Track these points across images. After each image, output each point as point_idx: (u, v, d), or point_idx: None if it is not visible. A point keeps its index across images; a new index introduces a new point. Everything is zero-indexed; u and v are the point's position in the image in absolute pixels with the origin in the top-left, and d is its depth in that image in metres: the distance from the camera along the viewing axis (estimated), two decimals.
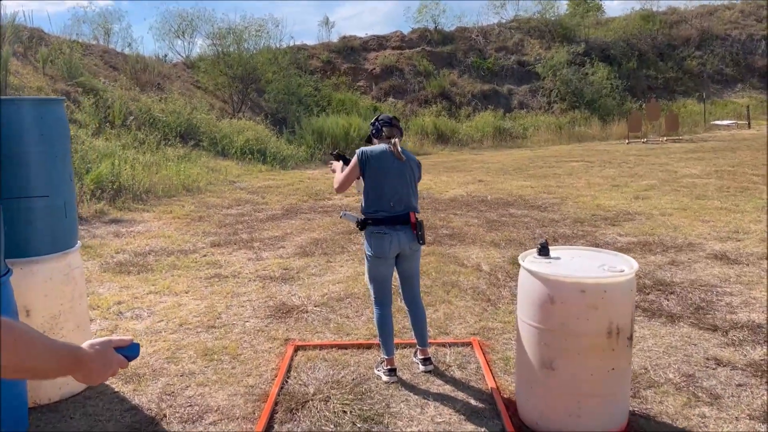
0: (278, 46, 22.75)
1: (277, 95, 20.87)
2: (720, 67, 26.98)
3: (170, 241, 7.71)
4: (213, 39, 21.37)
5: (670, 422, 3.24)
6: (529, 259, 3.26)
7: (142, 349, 1.52)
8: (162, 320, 4.97)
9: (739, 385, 3.62)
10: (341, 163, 4.01)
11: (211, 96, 20.30)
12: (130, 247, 7.46)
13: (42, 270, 3.51)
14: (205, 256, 7.01)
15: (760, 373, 3.73)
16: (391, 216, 3.70)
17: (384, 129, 3.85)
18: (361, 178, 3.80)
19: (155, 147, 13.25)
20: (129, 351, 1.46)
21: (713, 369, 3.83)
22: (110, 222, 8.84)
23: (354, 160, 3.79)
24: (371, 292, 3.87)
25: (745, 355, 4.00)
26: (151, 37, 45.97)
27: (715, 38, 27.93)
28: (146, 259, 6.89)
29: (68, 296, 3.64)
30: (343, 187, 3.87)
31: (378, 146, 3.80)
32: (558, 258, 3.28)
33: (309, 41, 28.44)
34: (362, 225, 3.76)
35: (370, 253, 3.75)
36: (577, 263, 3.18)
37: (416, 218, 3.76)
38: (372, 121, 3.96)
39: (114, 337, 1.45)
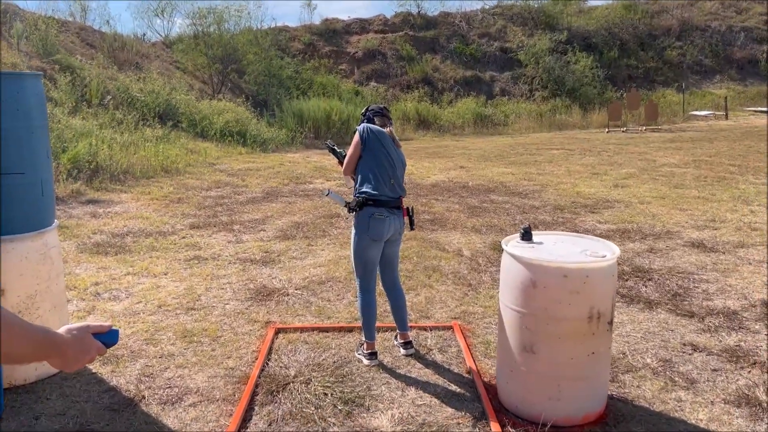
0: (259, 27, 22.51)
1: (257, 77, 20.64)
2: (699, 57, 27.23)
3: (148, 223, 7.62)
4: (193, 18, 21.05)
5: (647, 406, 3.29)
6: (512, 244, 3.27)
7: (120, 331, 1.48)
8: (140, 302, 4.92)
9: (715, 370, 3.68)
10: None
11: (191, 76, 20.01)
12: (108, 227, 7.36)
13: (17, 249, 3.43)
14: (184, 238, 6.94)
15: (735, 359, 3.80)
16: (390, 198, 3.70)
17: (375, 119, 3.85)
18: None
19: (133, 127, 13.04)
20: (107, 337, 1.42)
21: (689, 354, 3.89)
22: (87, 202, 8.71)
23: (356, 137, 3.75)
24: (357, 276, 3.84)
25: (721, 341, 4.07)
26: (129, 15, 45.02)
27: (695, 29, 28.16)
28: (124, 240, 6.80)
29: (44, 276, 3.58)
30: (350, 167, 3.82)
31: (377, 126, 3.80)
32: (541, 243, 3.29)
33: (291, 23, 28.19)
34: (359, 206, 3.69)
35: (365, 236, 3.70)
36: (559, 248, 3.19)
37: (405, 204, 3.79)
38: (363, 111, 3.96)
39: (92, 322, 1.41)
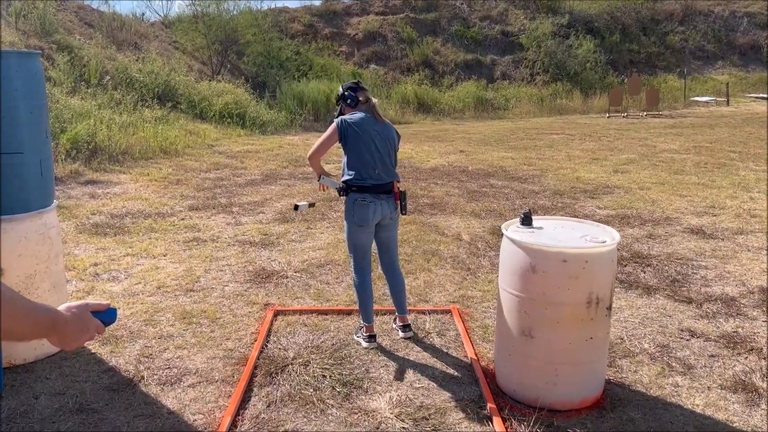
0: (259, 7, 22.35)
1: (256, 58, 20.50)
2: (702, 43, 27.06)
3: (147, 204, 7.60)
4: None
5: (644, 391, 3.31)
6: (512, 229, 3.27)
7: (119, 312, 1.49)
8: (139, 283, 4.92)
9: (712, 356, 3.70)
10: None
11: (190, 57, 19.88)
12: (107, 208, 7.35)
13: (16, 229, 3.43)
14: (183, 219, 6.93)
15: (732, 345, 3.82)
16: (376, 184, 3.66)
17: (358, 95, 3.75)
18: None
19: (132, 108, 12.98)
20: (106, 316, 1.42)
21: (687, 340, 3.90)
22: (86, 183, 8.69)
23: (332, 126, 3.68)
24: (351, 259, 3.86)
25: (718, 327, 4.08)
26: None
27: (698, 14, 27.94)
28: (123, 221, 6.79)
29: (44, 256, 3.58)
30: (316, 154, 3.74)
31: (356, 114, 3.73)
32: (541, 228, 3.28)
33: (290, 4, 27.95)
34: (345, 191, 3.71)
35: (352, 221, 3.72)
36: (559, 233, 3.19)
37: (399, 188, 3.74)
38: (340, 96, 3.81)
39: (91, 301, 1.41)
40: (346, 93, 3.80)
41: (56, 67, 12.65)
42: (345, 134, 3.66)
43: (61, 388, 3.34)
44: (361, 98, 3.77)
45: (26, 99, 3.41)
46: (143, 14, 22.37)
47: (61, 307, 1.34)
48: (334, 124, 3.70)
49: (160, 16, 23.03)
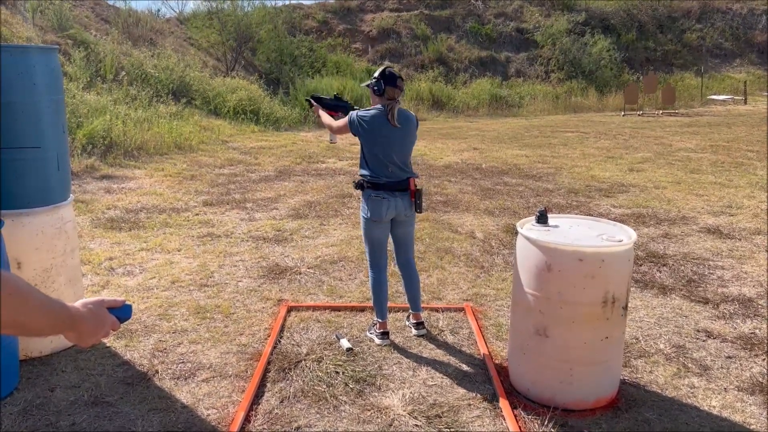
0: (273, 4, 22.38)
1: (270, 55, 20.54)
2: (719, 41, 26.74)
3: (162, 199, 7.64)
4: None
5: (660, 392, 3.28)
6: (528, 227, 3.25)
7: (133, 306, 1.49)
8: (154, 277, 4.95)
9: (729, 357, 3.65)
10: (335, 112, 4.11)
11: (205, 53, 19.94)
12: (122, 203, 7.39)
13: (33, 223, 3.46)
14: (197, 215, 6.96)
15: (749, 346, 3.77)
16: (390, 182, 3.65)
17: (387, 89, 3.64)
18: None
19: (147, 103, 13.04)
20: (121, 312, 1.43)
21: (703, 341, 3.87)
22: (101, 178, 8.75)
23: (345, 120, 3.75)
24: (367, 254, 3.86)
25: (735, 328, 4.04)
26: None
27: (716, 11, 27.61)
28: (138, 216, 6.83)
29: (60, 250, 3.60)
30: (337, 134, 4.01)
31: (371, 110, 3.67)
32: (556, 226, 3.26)
33: (305, 0, 27.87)
34: (360, 186, 3.72)
35: (366, 216, 3.73)
36: (575, 232, 3.16)
37: (416, 185, 3.72)
38: (377, 75, 3.68)
39: (107, 297, 1.41)
40: (381, 81, 3.64)
41: (72, 63, 12.74)
42: (357, 130, 3.69)
43: (76, 381, 3.36)
44: (387, 94, 3.64)
45: (44, 93, 3.43)
46: (159, 10, 22.54)
47: (77, 303, 1.34)
48: (347, 118, 3.73)
49: (176, 12, 23.16)
